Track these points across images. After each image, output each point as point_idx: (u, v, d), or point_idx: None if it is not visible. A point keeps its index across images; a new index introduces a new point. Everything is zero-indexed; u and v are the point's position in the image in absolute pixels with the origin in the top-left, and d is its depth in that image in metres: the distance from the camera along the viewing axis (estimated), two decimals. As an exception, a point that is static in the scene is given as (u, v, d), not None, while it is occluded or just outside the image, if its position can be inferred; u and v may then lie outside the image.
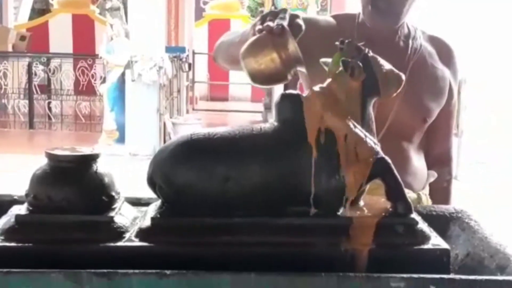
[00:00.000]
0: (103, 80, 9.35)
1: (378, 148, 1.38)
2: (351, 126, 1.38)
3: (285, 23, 1.53)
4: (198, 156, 1.36)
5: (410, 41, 2.03)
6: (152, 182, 1.40)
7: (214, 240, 1.32)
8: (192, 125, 8.35)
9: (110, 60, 8.57)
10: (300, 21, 1.60)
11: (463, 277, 1.22)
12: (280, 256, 1.32)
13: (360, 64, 1.39)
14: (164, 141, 8.31)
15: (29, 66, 10.89)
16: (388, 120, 1.90)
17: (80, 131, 10.29)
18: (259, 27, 1.55)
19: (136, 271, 1.20)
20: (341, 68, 1.40)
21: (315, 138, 1.36)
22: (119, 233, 1.35)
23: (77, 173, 1.37)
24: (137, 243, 1.32)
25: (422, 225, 1.38)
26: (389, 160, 1.37)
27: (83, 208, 1.35)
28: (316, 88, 1.42)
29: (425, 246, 1.33)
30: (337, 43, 1.45)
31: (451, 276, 1.25)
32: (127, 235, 1.35)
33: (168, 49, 9.24)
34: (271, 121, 1.41)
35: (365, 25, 2.02)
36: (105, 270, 1.20)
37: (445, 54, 2.09)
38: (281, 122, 1.39)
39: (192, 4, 13.67)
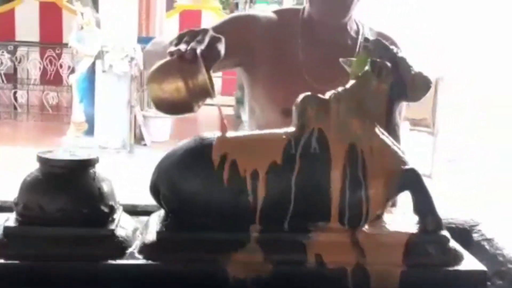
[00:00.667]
0: (72, 70, 9.12)
1: (406, 157, 1.26)
2: (378, 133, 1.25)
3: (201, 47, 1.35)
4: (209, 163, 1.22)
5: (359, 38, 1.89)
6: (155, 190, 1.26)
7: (227, 258, 1.19)
8: (163, 118, 8.18)
9: (80, 50, 8.34)
10: (221, 46, 1.44)
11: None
12: (300, 276, 1.20)
13: (389, 65, 1.26)
14: (135, 135, 8.13)
15: (-5, 54, 10.60)
16: None
17: (47, 122, 10.02)
18: (170, 49, 1.36)
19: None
20: (366, 69, 1.28)
21: (339, 147, 1.23)
22: (121, 249, 1.20)
23: (73, 180, 1.22)
24: (142, 260, 1.18)
25: (454, 243, 1.26)
26: (418, 171, 1.25)
27: (79, 219, 1.20)
28: (339, 90, 1.29)
29: (460, 268, 1.22)
30: (362, 41, 1.31)
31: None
32: (129, 251, 1.21)
33: (140, 40, 9.02)
34: (289, 128, 1.28)
35: (311, 20, 1.87)
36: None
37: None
38: (300, 128, 1.25)
39: (163, -6, 13.46)
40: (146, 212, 1.45)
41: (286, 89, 1.77)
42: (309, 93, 1.28)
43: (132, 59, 8.10)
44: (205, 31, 1.42)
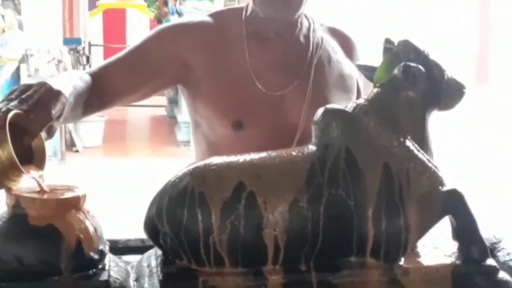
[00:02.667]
0: (-5, 75, 8.68)
1: (444, 176, 1.08)
2: (414, 149, 1.07)
3: (19, 108, 1.11)
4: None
5: (311, 35, 1.64)
6: (153, 228, 1.04)
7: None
8: (94, 122, 7.84)
9: (3, 54, 7.93)
10: (58, 102, 1.18)
11: None
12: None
13: (423, 69, 1.08)
14: (66, 141, 7.77)
15: None
16: (300, 127, 1.55)
17: (-30, 130, 9.55)
18: None
19: None
20: (394, 74, 1.09)
21: (372, 168, 1.04)
22: (118, 305, 0.99)
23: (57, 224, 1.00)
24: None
25: (504, 274, 1.09)
26: (462, 192, 1.07)
27: (67, 271, 0.98)
28: (362, 101, 1.10)
29: (516, 304, 1.05)
30: (384, 43, 1.13)
31: None
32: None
33: (66, 41, 8.68)
34: (309, 145, 1.08)
35: (256, 19, 1.60)
36: None
37: (348, 48, 1.71)
38: (323, 147, 1.06)
39: (85, -8, 13.04)
40: (128, 248, 1.24)
41: (236, 99, 1.56)
42: (333, 105, 1.08)
43: (59, 61, 7.74)
44: (40, 85, 1.18)
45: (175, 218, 1.01)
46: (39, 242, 0.98)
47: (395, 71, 1.10)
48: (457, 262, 1.07)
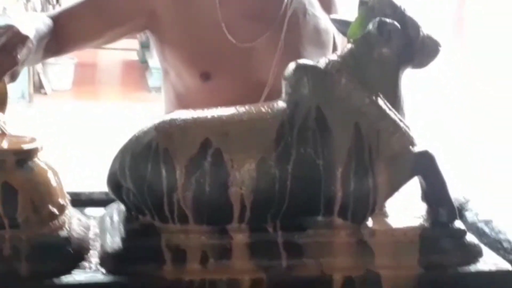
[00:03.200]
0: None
1: (415, 136, 1.06)
2: (385, 108, 1.04)
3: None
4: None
5: None
6: (116, 184, 1.01)
7: (210, 266, 0.97)
8: (64, 65, 7.71)
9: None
10: (24, 46, 1.15)
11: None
12: (292, 282, 0.99)
13: (398, 25, 1.05)
14: (34, 84, 7.64)
15: None
16: (268, 82, 1.51)
17: None
18: None
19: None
20: (369, 30, 1.06)
21: (342, 127, 1.01)
22: (77, 259, 0.96)
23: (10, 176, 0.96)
24: (105, 276, 0.94)
25: (471, 237, 1.08)
26: (433, 153, 1.05)
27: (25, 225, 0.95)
28: (334, 57, 1.07)
29: (483, 267, 1.04)
30: (359, -3, 1.09)
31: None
32: (87, 263, 0.97)
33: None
34: (278, 102, 1.05)
35: None
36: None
37: (327, 2, 1.66)
38: (293, 104, 1.03)
39: None
40: (91, 201, 1.21)
41: (205, 49, 1.52)
42: (305, 60, 1.05)
43: (28, 0, 7.57)
44: (7, 28, 1.16)
45: (139, 174, 0.98)
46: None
47: (370, 26, 1.06)
48: (425, 224, 1.05)
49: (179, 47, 1.54)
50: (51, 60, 7.97)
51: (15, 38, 1.15)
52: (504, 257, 1.11)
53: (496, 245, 1.16)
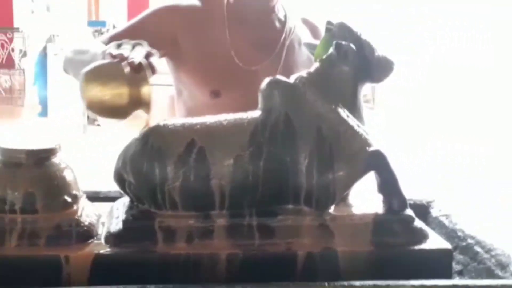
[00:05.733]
0: (24, 54, 8.97)
1: (371, 139, 1.26)
2: (344, 115, 1.25)
3: (144, 58, 1.30)
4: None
5: (287, 21, 1.91)
6: (120, 177, 1.24)
7: (195, 246, 1.18)
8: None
9: (31, 34, 8.21)
10: (155, 60, 1.34)
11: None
12: (266, 260, 1.19)
13: (354, 47, 1.26)
14: (88, 115, 8.00)
15: None
16: None
17: (1, 105, 9.91)
18: (112, 51, 1.31)
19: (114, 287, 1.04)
20: (330, 52, 1.27)
21: (306, 130, 1.22)
22: (86, 237, 1.19)
23: (34, 170, 1.20)
24: (107, 249, 1.17)
25: (419, 222, 1.27)
26: (385, 152, 1.25)
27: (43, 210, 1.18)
28: (303, 74, 1.28)
29: (426, 246, 1.22)
30: (326, 24, 1.30)
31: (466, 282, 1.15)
32: (94, 239, 1.20)
33: (90, 23, 8.93)
34: (256, 111, 1.27)
35: (237, 4, 1.87)
36: None
37: (317, 35, 1.92)
38: (267, 112, 1.24)
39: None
40: (108, 198, 1.44)
41: (214, 71, 1.80)
42: (277, 76, 1.27)
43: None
44: (140, 44, 1.37)
45: (137, 169, 1.20)
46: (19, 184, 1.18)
47: (331, 49, 1.27)
48: (379, 211, 1.25)
49: (193, 70, 1.82)
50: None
51: (150, 52, 1.33)
52: (457, 244, 1.32)
53: (453, 234, 1.37)
